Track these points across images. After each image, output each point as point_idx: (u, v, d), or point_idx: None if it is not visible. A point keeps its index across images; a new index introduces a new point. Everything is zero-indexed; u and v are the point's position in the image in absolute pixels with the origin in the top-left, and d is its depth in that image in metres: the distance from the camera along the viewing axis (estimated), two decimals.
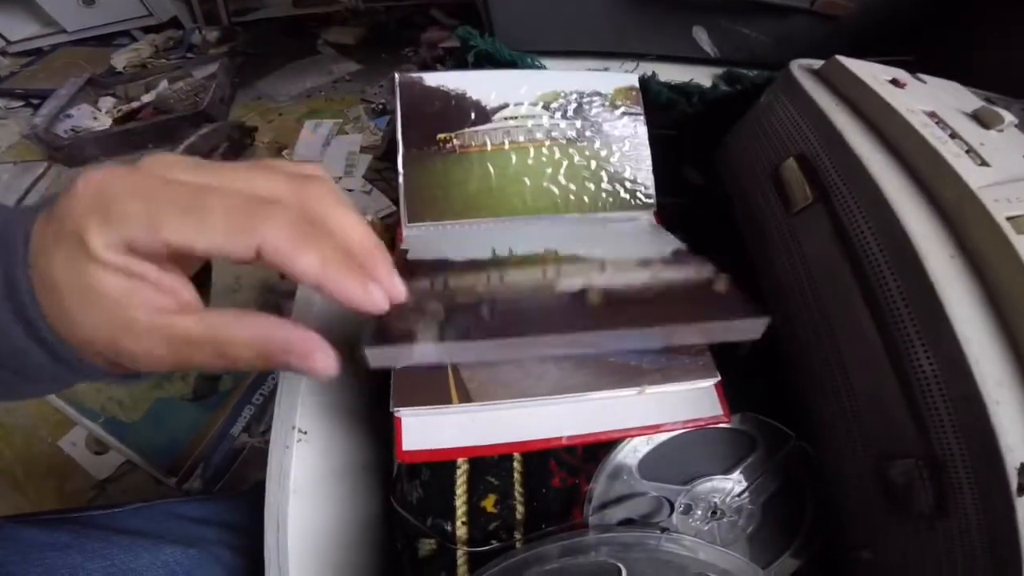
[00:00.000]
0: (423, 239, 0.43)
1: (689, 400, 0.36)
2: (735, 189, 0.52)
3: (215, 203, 0.21)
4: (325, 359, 0.23)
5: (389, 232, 0.47)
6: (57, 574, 0.39)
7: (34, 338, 0.22)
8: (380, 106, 1.51)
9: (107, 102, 1.55)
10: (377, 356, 0.28)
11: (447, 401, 0.34)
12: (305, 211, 0.22)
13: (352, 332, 0.49)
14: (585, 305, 0.31)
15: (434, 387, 0.34)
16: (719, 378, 0.35)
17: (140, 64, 1.73)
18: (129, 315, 0.21)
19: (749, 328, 0.30)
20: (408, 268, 0.37)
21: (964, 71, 0.48)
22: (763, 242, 0.46)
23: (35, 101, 1.57)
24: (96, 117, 1.49)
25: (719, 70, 0.64)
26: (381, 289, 0.23)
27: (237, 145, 1.40)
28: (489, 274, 0.35)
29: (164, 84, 1.60)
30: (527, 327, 0.29)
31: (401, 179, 0.43)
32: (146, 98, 1.55)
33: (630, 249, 0.40)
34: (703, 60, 0.64)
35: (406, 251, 0.42)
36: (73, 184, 0.21)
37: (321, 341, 0.23)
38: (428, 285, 0.33)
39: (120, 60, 1.70)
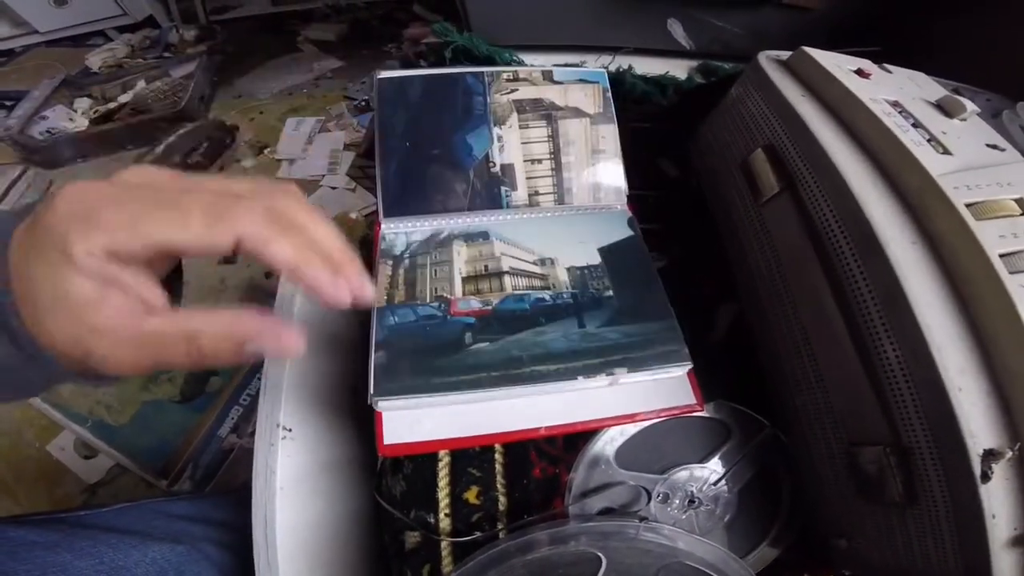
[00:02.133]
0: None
1: (663, 389, 0.37)
2: (708, 180, 0.53)
3: (192, 201, 0.22)
4: (291, 339, 0.24)
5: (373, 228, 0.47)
6: (47, 572, 0.39)
7: (8, 334, 0.23)
8: (363, 103, 1.50)
9: (83, 103, 1.53)
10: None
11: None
12: (276, 207, 0.24)
13: (332, 330, 0.50)
14: None
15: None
16: (691, 365, 0.36)
17: (116, 64, 1.70)
18: (97, 319, 0.22)
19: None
20: None
21: (936, 62, 0.49)
22: (735, 232, 0.46)
23: (8, 103, 1.54)
24: (72, 118, 1.46)
25: (694, 62, 0.64)
26: (348, 285, 0.25)
27: (218, 144, 1.39)
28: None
29: (141, 84, 1.58)
30: None
31: (379, 174, 0.44)
32: (123, 98, 1.53)
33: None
34: (678, 53, 0.64)
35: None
36: (53, 196, 0.22)
37: (286, 324, 0.25)
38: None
39: (95, 60, 1.67)
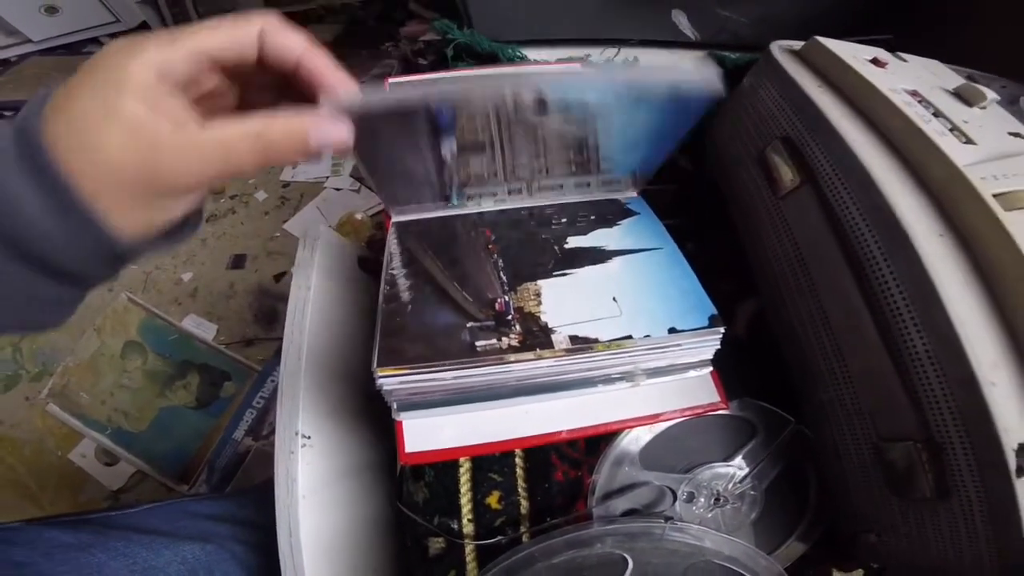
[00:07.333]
0: None
1: (686, 388, 0.37)
2: (722, 173, 0.52)
3: (218, 21, 0.26)
4: (343, 129, 0.27)
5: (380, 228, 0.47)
6: (83, 572, 0.40)
7: (36, 172, 0.22)
8: None
9: None
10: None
11: None
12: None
13: (346, 336, 0.50)
14: None
15: None
16: (711, 369, 0.35)
17: None
18: (158, 133, 0.23)
19: None
20: None
21: (946, 48, 0.48)
22: (753, 226, 0.46)
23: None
24: None
25: (701, 53, 0.63)
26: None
27: None
28: None
29: None
30: None
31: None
32: None
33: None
34: (684, 44, 0.63)
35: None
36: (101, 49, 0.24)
37: (339, 117, 0.27)
38: None
39: None
